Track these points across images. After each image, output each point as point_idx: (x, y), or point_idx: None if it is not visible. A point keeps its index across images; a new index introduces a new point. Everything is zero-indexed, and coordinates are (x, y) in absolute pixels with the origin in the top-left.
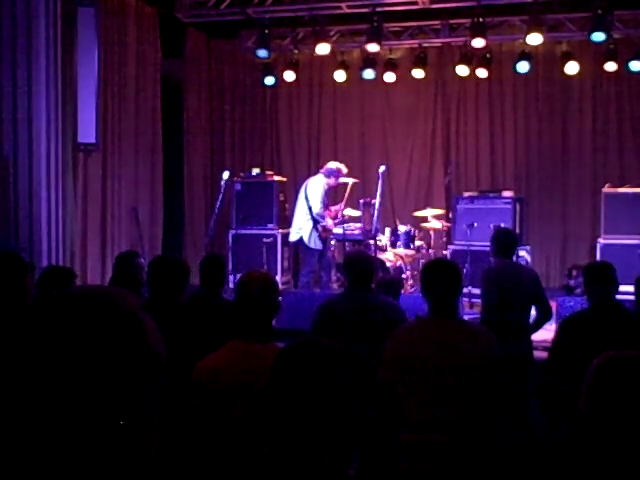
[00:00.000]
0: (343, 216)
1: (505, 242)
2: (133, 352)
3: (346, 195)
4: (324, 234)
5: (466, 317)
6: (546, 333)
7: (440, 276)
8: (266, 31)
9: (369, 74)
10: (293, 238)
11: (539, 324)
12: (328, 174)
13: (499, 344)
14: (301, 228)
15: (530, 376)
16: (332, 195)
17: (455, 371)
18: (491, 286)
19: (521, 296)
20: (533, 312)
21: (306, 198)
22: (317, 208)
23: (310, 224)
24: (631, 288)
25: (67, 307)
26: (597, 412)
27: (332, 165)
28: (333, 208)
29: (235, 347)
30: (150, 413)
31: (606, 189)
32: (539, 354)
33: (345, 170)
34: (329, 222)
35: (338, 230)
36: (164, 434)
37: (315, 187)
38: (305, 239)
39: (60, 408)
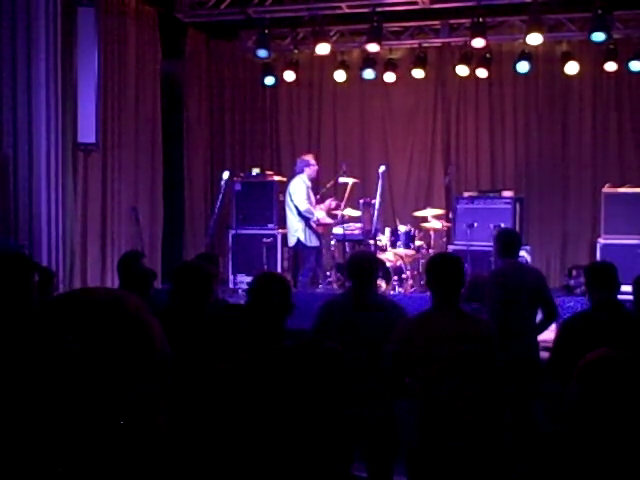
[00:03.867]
0: (343, 216)
1: (509, 242)
2: (141, 356)
3: (346, 195)
4: (319, 229)
5: None
6: (547, 333)
7: (446, 269)
8: (266, 31)
9: (369, 74)
10: (292, 242)
11: (545, 325)
12: (300, 169)
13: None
14: (296, 230)
15: (537, 377)
16: (332, 195)
17: (462, 353)
18: (495, 287)
19: (526, 297)
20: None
21: (291, 200)
22: (303, 206)
23: (302, 224)
24: (631, 288)
25: (74, 312)
26: (584, 410)
27: (300, 159)
28: (320, 206)
29: (247, 347)
30: (157, 413)
31: (606, 189)
32: (540, 354)
33: (313, 160)
34: (320, 215)
35: (338, 230)
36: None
37: (296, 186)
38: (302, 239)
39: (67, 411)
